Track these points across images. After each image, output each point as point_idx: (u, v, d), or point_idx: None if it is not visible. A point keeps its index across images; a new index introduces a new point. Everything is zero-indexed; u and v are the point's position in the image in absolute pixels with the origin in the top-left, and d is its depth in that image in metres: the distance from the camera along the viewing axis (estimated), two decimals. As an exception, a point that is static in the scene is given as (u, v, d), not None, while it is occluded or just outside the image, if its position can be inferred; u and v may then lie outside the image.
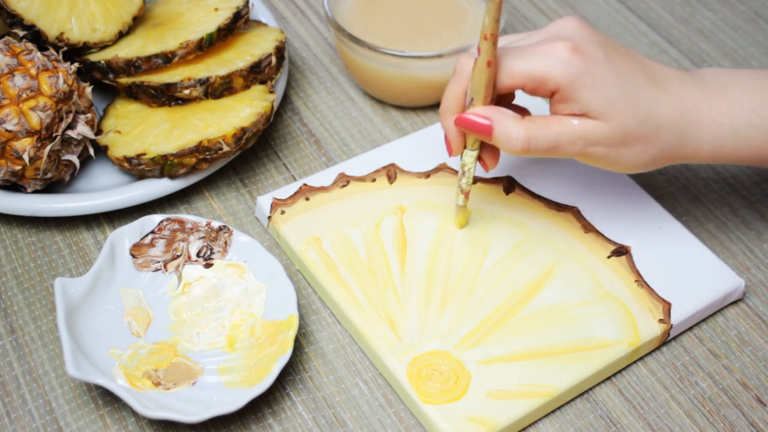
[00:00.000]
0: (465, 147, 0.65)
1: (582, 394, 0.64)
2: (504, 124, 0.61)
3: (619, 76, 0.61)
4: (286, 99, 0.82)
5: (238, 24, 0.76)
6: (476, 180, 0.74)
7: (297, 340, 0.66)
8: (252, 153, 0.78)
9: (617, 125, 0.61)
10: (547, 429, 0.63)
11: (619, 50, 0.62)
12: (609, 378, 0.65)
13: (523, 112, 0.66)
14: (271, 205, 0.71)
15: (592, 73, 0.60)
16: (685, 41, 0.90)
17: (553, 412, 0.63)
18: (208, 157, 0.70)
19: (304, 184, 0.73)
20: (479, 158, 0.66)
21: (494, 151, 0.66)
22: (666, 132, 0.62)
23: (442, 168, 0.74)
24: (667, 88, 0.63)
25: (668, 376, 0.66)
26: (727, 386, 0.65)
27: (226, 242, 0.68)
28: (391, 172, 0.74)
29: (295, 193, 0.72)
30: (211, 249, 0.68)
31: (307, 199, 0.72)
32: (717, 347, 0.67)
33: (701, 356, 0.67)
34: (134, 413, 0.62)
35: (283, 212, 0.71)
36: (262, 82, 0.75)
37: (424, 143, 0.76)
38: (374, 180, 0.74)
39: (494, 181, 0.74)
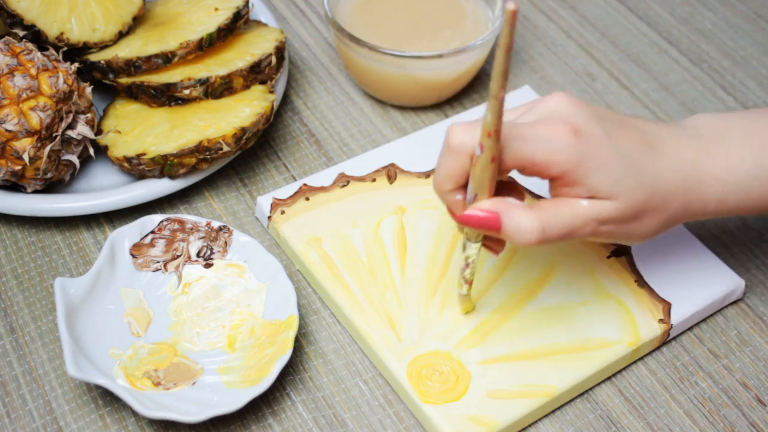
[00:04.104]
0: (468, 240, 0.61)
1: (582, 394, 0.64)
2: (513, 217, 0.57)
3: (621, 151, 0.59)
4: (286, 99, 0.82)
5: (238, 24, 0.76)
6: None
7: (297, 340, 0.66)
8: (252, 153, 0.78)
9: (627, 202, 0.59)
10: (547, 429, 0.63)
11: (614, 121, 0.60)
12: (609, 378, 0.65)
13: (516, 187, 0.62)
14: (271, 205, 0.71)
15: (597, 156, 0.57)
16: (685, 41, 0.90)
17: (553, 412, 0.63)
18: (208, 157, 0.70)
19: (304, 184, 0.73)
20: (485, 245, 0.61)
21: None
22: (672, 199, 0.60)
23: (442, 168, 0.74)
24: (666, 152, 0.61)
25: (668, 376, 0.66)
26: (727, 386, 0.65)
27: (226, 242, 0.68)
28: (391, 172, 0.74)
29: (295, 193, 0.72)
30: (211, 249, 0.68)
31: (307, 199, 0.72)
32: (717, 347, 0.67)
33: (701, 356, 0.67)
34: (134, 413, 0.62)
35: (283, 212, 0.71)
36: (262, 82, 0.75)
37: (424, 143, 0.76)
38: (374, 180, 0.74)
39: (494, 181, 0.74)
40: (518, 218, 0.57)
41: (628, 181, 0.58)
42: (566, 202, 0.58)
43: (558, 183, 0.58)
